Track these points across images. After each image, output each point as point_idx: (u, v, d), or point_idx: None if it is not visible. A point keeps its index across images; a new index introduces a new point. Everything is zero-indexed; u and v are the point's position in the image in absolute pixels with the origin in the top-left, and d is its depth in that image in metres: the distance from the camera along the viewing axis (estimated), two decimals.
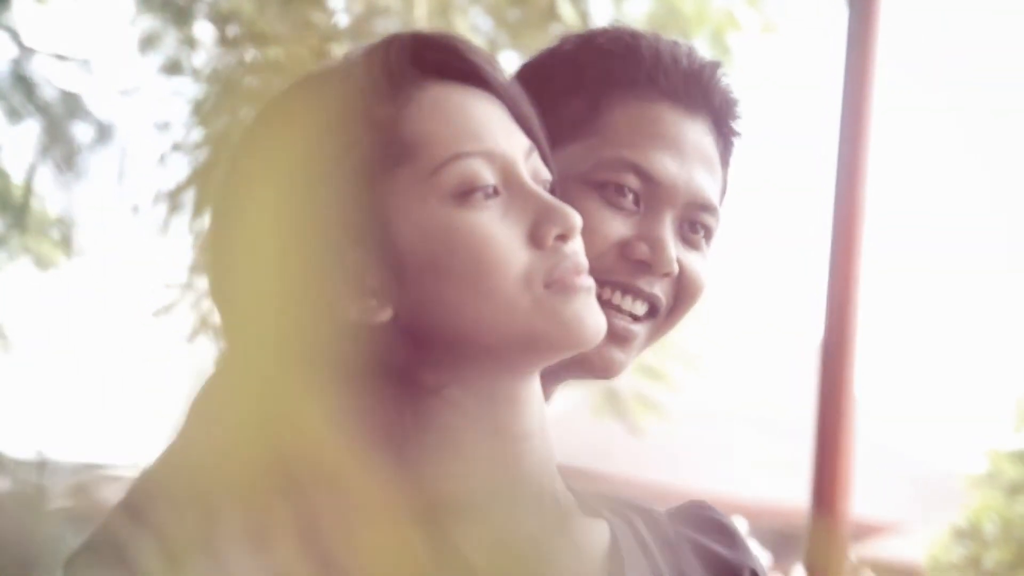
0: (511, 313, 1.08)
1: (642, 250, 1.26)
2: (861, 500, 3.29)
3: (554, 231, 1.09)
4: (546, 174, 1.13)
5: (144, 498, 1.06)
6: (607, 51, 1.31)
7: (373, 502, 1.06)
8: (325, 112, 1.12)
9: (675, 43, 1.34)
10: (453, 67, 1.12)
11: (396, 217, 1.08)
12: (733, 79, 1.37)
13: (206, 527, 1.04)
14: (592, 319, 1.10)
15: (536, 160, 1.13)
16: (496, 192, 1.09)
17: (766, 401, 12.19)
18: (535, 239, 1.09)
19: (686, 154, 1.29)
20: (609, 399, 6.14)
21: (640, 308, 1.27)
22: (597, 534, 1.16)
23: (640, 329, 1.28)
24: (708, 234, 1.32)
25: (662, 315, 1.29)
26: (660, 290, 1.28)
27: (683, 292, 1.30)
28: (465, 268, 1.07)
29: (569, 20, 4.65)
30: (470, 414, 1.10)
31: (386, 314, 1.08)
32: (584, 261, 1.11)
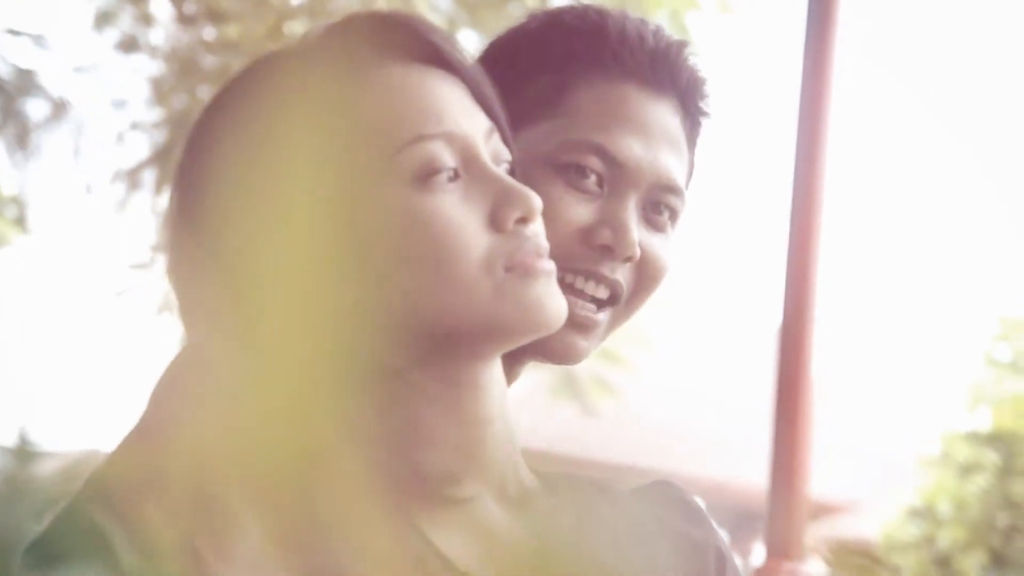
0: (472, 297, 1.08)
1: (605, 235, 1.24)
2: (818, 480, 3.31)
3: (514, 214, 1.08)
4: (507, 155, 1.12)
5: (113, 481, 1.05)
6: (573, 29, 1.30)
7: (345, 487, 1.06)
8: (283, 93, 1.10)
9: (642, 22, 1.33)
10: (413, 48, 1.11)
11: (357, 199, 1.07)
12: (699, 59, 1.36)
13: (184, 517, 1.03)
14: (553, 303, 1.09)
15: (497, 142, 1.12)
16: (456, 175, 1.08)
17: (724, 381, 12.24)
18: (495, 222, 1.08)
19: (652, 135, 1.28)
20: (567, 381, 6.16)
21: (602, 292, 1.26)
22: (561, 514, 1.15)
23: (602, 316, 1.28)
24: (673, 216, 1.31)
25: (624, 300, 1.28)
26: (622, 275, 1.27)
27: (645, 275, 1.29)
28: (425, 252, 1.07)
29: None
30: (432, 398, 1.10)
31: (347, 297, 1.07)
32: (545, 243, 1.10)
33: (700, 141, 1.34)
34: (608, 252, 1.25)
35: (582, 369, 6.08)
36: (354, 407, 1.08)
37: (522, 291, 1.08)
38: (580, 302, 1.25)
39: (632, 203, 1.27)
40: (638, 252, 1.26)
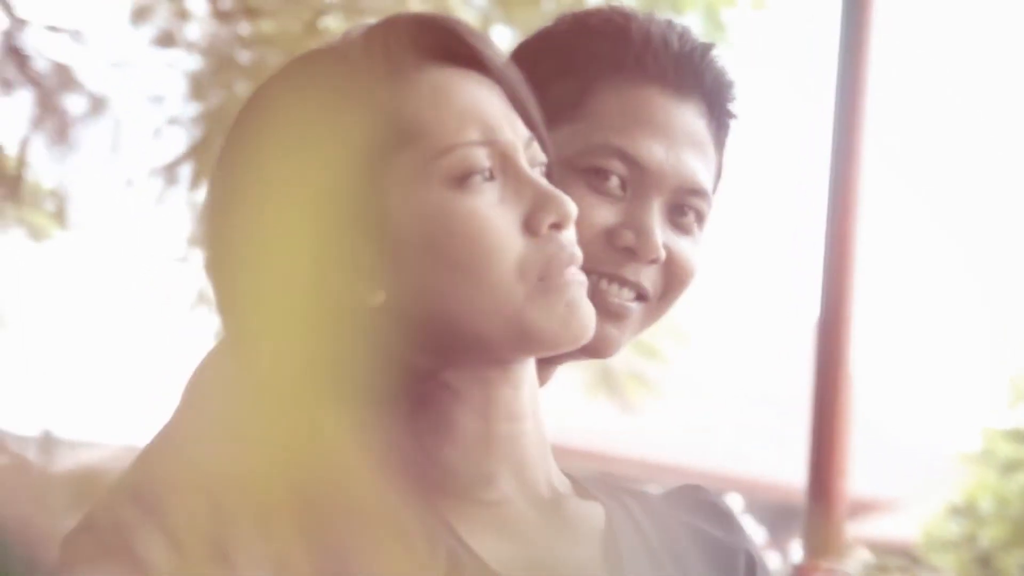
0: (503, 302, 1.08)
1: (627, 237, 1.24)
2: (856, 477, 3.29)
3: (549, 219, 1.09)
4: (542, 158, 1.12)
5: (146, 480, 1.05)
6: (597, 32, 1.30)
7: (372, 489, 1.05)
8: (323, 93, 1.10)
9: (668, 24, 1.33)
10: (453, 51, 1.11)
11: (393, 200, 1.07)
12: (727, 60, 1.35)
13: (212, 518, 1.03)
14: (583, 315, 1.10)
15: (533, 145, 1.12)
16: (492, 178, 1.08)
17: (763, 377, 12.21)
18: (530, 227, 1.09)
19: (675, 138, 1.28)
20: (603, 377, 6.15)
21: (627, 295, 1.26)
22: (592, 516, 1.15)
23: (634, 307, 1.27)
24: (699, 218, 1.30)
25: (653, 300, 1.28)
26: (646, 278, 1.27)
27: (672, 278, 1.29)
28: (460, 253, 1.07)
29: None
30: (463, 398, 1.10)
31: (378, 298, 1.07)
32: (578, 252, 1.11)
33: (728, 142, 1.34)
34: (631, 254, 1.25)
35: (619, 365, 6.06)
36: (386, 407, 1.08)
37: (553, 302, 1.08)
38: (612, 291, 1.25)
39: (655, 206, 1.27)
40: (662, 254, 1.26)
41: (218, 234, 1.12)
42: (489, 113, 1.10)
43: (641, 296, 1.27)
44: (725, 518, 1.21)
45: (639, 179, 1.26)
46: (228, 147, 1.12)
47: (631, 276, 1.25)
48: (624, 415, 7.02)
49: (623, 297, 1.26)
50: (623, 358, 5.98)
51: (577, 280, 1.09)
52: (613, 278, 1.25)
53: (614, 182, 1.25)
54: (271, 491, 1.04)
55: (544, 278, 1.08)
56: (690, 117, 1.29)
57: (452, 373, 1.09)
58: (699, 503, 1.22)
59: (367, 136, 1.07)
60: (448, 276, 1.07)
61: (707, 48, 1.32)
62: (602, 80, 1.28)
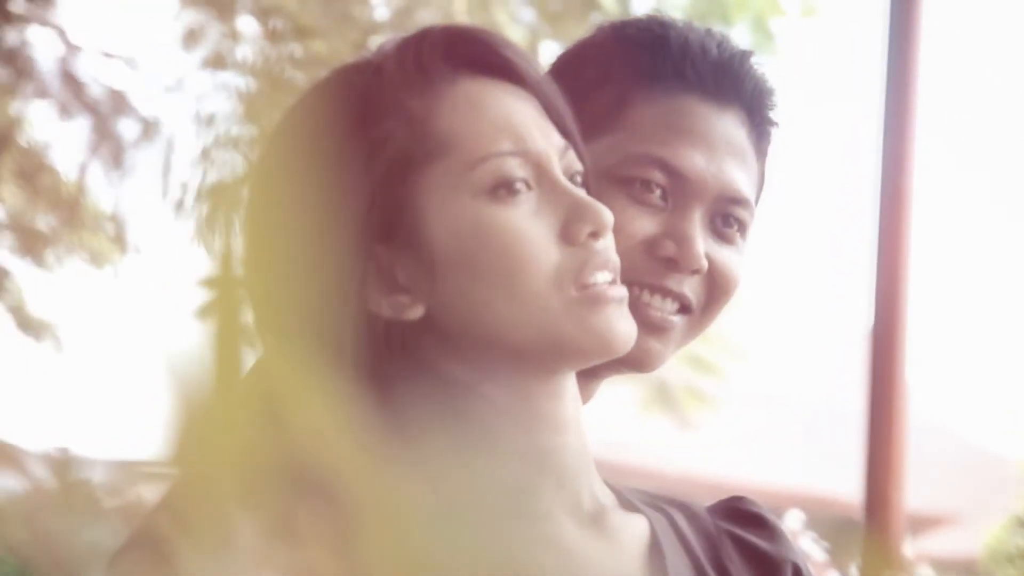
0: (540, 313, 1.07)
1: (669, 247, 1.23)
2: (915, 490, 3.25)
3: (586, 228, 1.08)
4: (578, 167, 1.12)
5: (182, 496, 1.06)
6: (635, 43, 1.29)
7: (406, 504, 1.05)
8: (357, 106, 1.10)
9: (707, 32, 1.32)
10: (486, 61, 1.11)
11: (428, 213, 1.07)
12: (768, 68, 1.34)
13: (234, 529, 1.03)
14: (622, 328, 1.09)
15: (570, 156, 1.12)
16: (528, 188, 1.08)
17: (822, 389, 12.13)
18: (566, 236, 1.08)
19: (715, 147, 1.27)
20: (659, 393, 6.12)
21: (670, 307, 1.25)
22: (636, 529, 1.14)
23: (677, 320, 1.26)
24: (742, 228, 1.29)
25: (696, 312, 1.27)
26: (689, 288, 1.25)
27: (715, 288, 1.27)
28: (496, 264, 1.07)
29: (610, 9, 4.63)
30: (504, 410, 1.10)
31: (417, 311, 1.08)
32: (615, 259, 1.10)
33: (770, 151, 1.33)
34: (673, 265, 1.24)
35: (675, 380, 6.04)
36: (426, 419, 1.08)
37: (592, 314, 1.07)
38: (655, 303, 1.24)
39: (697, 216, 1.26)
40: (704, 264, 1.25)
41: (252, 252, 1.12)
42: (522, 123, 1.10)
43: (684, 308, 1.26)
44: (771, 529, 1.20)
45: (680, 189, 1.25)
46: (262, 162, 1.13)
47: (674, 287, 1.24)
48: (681, 431, 6.99)
49: (665, 310, 1.25)
50: (679, 373, 5.96)
51: (615, 291, 1.08)
52: (655, 289, 1.24)
53: (655, 192, 1.25)
54: (296, 508, 1.03)
55: (581, 288, 1.07)
56: (730, 125, 1.28)
57: (492, 385, 1.09)
58: (745, 514, 1.21)
59: (401, 149, 1.08)
60: (484, 288, 1.07)
61: (746, 55, 1.31)
62: (641, 90, 1.27)
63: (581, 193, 1.09)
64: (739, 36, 4.93)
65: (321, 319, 1.06)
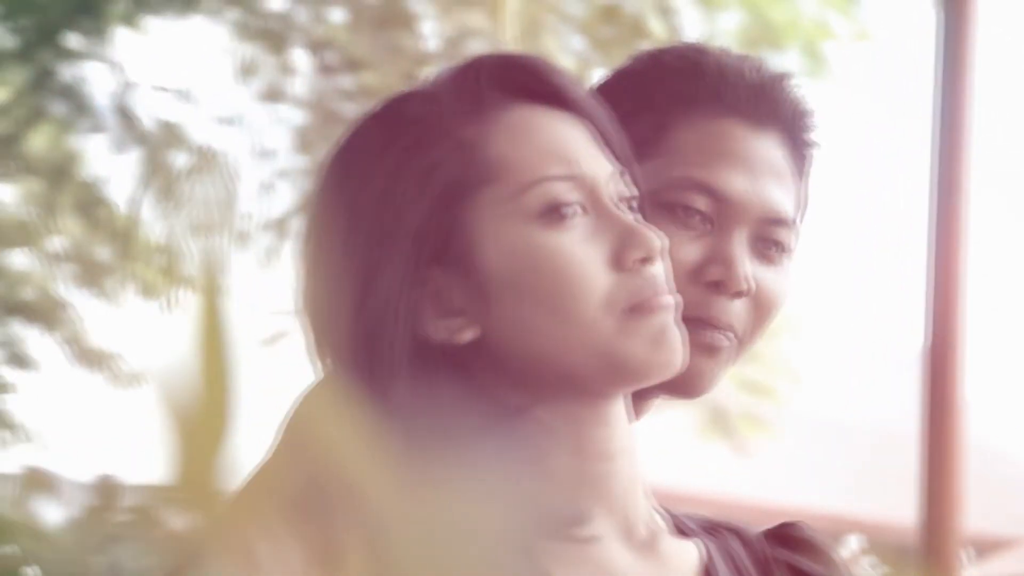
0: (591, 335, 1.08)
1: (714, 271, 1.24)
2: (975, 514, 3.22)
3: (636, 254, 1.09)
4: (631, 191, 1.13)
5: (235, 526, 1.07)
6: (672, 69, 1.31)
7: (451, 527, 1.06)
8: (412, 131, 1.12)
9: (743, 57, 1.34)
10: (538, 89, 1.13)
11: (481, 237, 1.09)
12: (813, 91, 1.36)
13: (271, 557, 1.04)
14: (672, 341, 1.09)
15: (621, 181, 1.13)
16: (580, 213, 1.09)
17: (878, 412, 12.03)
18: (617, 262, 1.09)
19: (755, 169, 1.28)
20: (715, 418, 6.10)
21: (720, 340, 1.26)
22: (689, 554, 1.14)
23: (725, 344, 1.27)
24: (784, 248, 1.30)
25: (742, 334, 1.28)
26: (736, 316, 1.26)
27: (760, 309, 1.28)
28: (547, 289, 1.08)
29: (659, 36, 4.64)
30: (556, 435, 1.10)
31: (470, 334, 1.09)
32: (665, 282, 1.10)
33: (810, 171, 1.34)
34: (719, 288, 1.25)
35: (732, 406, 6.01)
36: (476, 443, 1.09)
37: (644, 328, 1.08)
38: (705, 334, 1.24)
39: (740, 238, 1.27)
40: (750, 286, 1.25)
41: (311, 274, 1.13)
42: (573, 149, 1.11)
43: (729, 333, 1.26)
44: (824, 555, 1.20)
45: (722, 212, 1.26)
46: (320, 186, 1.15)
47: (722, 317, 1.25)
48: (739, 457, 6.95)
49: (714, 341, 1.25)
50: (736, 399, 5.93)
51: (666, 304, 1.09)
52: (704, 323, 1.24)
53: (698, 216, 1.26)
54: (345, 532, 1.04)
55: (632, 309, 1.08)
56: (769, 147, 1.29)
57: (544, 410, 1.09)
58: (798, 540, 1.21)
59: (454, 174, 1.09)
60: (536, 311, 1.08)
61: (783, 78, 1.32)
62: (680, 115, 1.28)
63: (632, 219, 1.10)
64: (790, 61, 4.92)
65: (375, 343, 1.08)
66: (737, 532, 1.19)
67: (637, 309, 1.08)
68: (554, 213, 1.08)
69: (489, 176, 1.09)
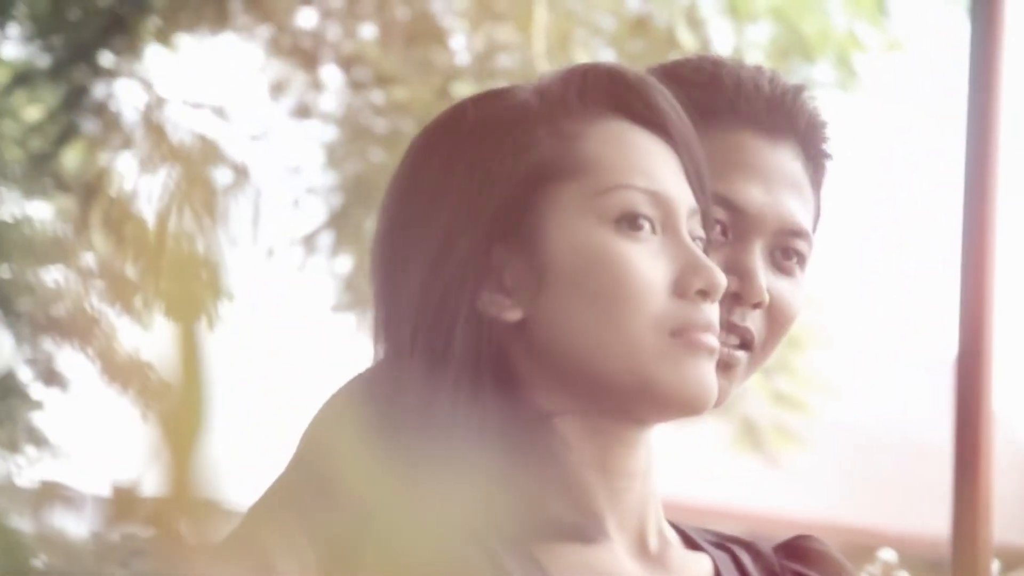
0: (632, 349, 1.09)
1: (732, 282, 1.26)
2: (1007, 526, 3.20)
3: (698, 284, 1.10)
4: (701, 233, 1.15)
5: (257, 539, 1.07)
6: (688, 82, 1.33)
7: (450, 521, 1.06)
8: (513, 112, 1.15)
9: (758, 69, 1.36)
10: (643, 112, 1.15)
11: (552, 225, 1.11)
12: (820, 102, 1.38)
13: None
14: (709, 383, 1.10)
15: (696, 220, 1.14)
16: (653, 231, 1.10)
17: (910, 425, 11.95)
18: (678, 288, 1.10)
19: (772, 181, 1.30)
20: (746, 431, 6.08)
21: (732, 341, 1.27)
22: (700, 568, 1.15)
23: (741, 355, 1.28)
24: (801, 260, 1.32)
25: (757, 347, 1.29)
26: (752, 323, 1.27)
27: (775, 321, 1.30)
28: (604, 291, 1.09)
29: (690, 48, 4.64)
30: (577, 447, 1.11)
31: (515, 314, 1.10)
32: (716, 324, 1.11)
33: (825, 182, 1.36)
34: (736, 299, 1.26)
35: (762, 418, 5.99)
36: (499, 444, 1.09)
37: (683, 360, 1.09)
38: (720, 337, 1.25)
39: (758, 249, 1.28)
40: (767, 298, 1.26)
41: (389, 238, 1.15)
42: (660, 170, 1.13)
43: (746, 344, 1.27)
44: (836, 567, 1.20)
45: (740, 223, 1.27)
46: (410, 156, 1.16)
47: (738, 321, 1.26)
48: (770, 469, 6.92)
49: (729, 343, 1.26)
50: (767, 411, 5.91)
51: (710, 346, 1.09)
52: (721, 324, 1.25)
53: (715, 228, 1.27)
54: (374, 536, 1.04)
55: (677, 335, 1.08)
56: (786, 159, 1.31)
57: (569, 421, 1.10)
58: (811, 553, 1.21)
59: (545, 156, 1.10)
60: (586, 310, 1.09)
61: (799, 90, 1.34)
62: (697, 128, 1.30)
63: (700, 252, 1.11)
64: (822, 73, 4.91)
65: (444, 305, 1.09)
66: (748, 546, 1.19)
67: (681, 336, 1.08)
68: (629, 221, 1.10)
69: (577, 170, 1.11)
